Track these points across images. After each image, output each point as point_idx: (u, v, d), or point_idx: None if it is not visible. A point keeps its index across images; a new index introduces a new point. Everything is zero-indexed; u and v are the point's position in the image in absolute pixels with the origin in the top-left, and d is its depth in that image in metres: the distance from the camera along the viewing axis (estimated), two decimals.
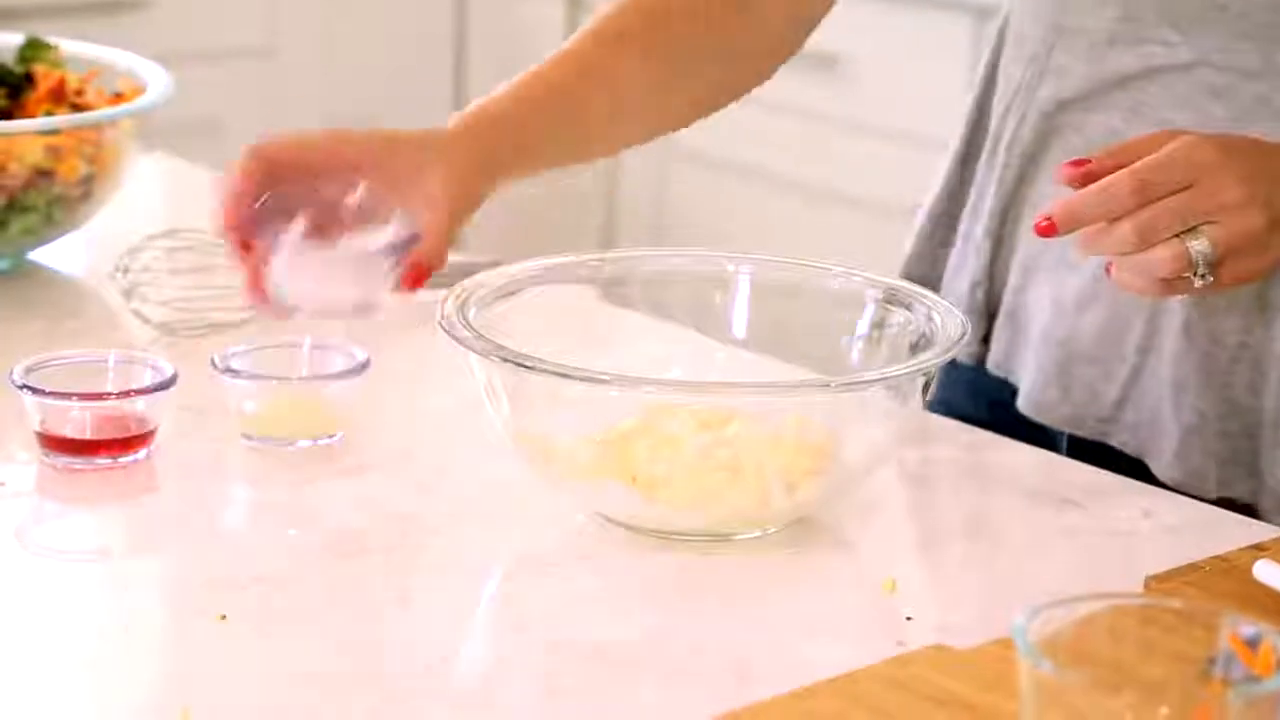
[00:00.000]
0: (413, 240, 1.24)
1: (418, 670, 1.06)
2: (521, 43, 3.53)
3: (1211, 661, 0.91)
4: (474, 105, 1.34)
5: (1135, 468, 1.35)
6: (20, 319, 1.52)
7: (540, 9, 3.50)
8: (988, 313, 1.44)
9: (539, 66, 1.36)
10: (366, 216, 1.25)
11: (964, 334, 1.22)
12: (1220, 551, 1.17)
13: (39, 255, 1.63)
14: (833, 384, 1.22)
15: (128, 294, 1.50)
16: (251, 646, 1.08)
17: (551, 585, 1.16)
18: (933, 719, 0.98)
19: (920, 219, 1.51)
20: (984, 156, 1.45)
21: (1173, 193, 1.18)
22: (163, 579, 1.20)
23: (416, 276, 1.25)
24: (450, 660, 1.09)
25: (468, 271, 1.34)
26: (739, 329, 1.34)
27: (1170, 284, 1.20)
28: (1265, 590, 1.11)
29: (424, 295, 1.43)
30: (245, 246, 1.25)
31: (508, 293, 1.29)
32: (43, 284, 1.61)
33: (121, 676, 1.07)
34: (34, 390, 1.27)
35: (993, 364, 1.44)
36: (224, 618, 1.10)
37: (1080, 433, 1.38)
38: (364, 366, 1.33)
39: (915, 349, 1.24)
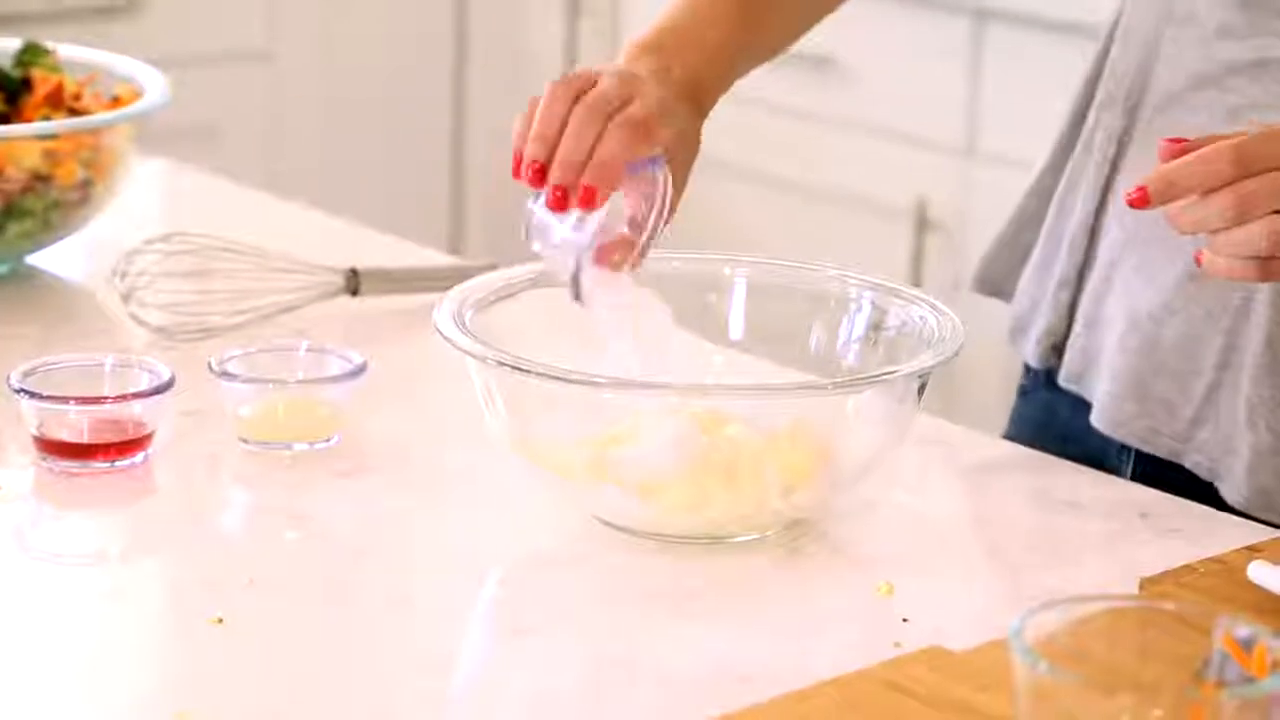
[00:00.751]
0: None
1: (415, 673, 1.06)
2: (522, 46, 3.53)
3: (1206, 663, 0.91)
4: (672, 52, 1.34)
5: (1203, 494, 1.32)
6: (18, 323, 1.52)
7: (541, 11, 3.50)
8: (1069, 316, 1.41)
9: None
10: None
11: (959, 337, 1.22)
12: (1215, 553, 1.17)
13: (37, 260, 1.63)
14: (829, 386, 1.22)
15: (125, 298, 1.50)
16: (249, 649, 1.08)
17: (549, 587, 1.16)
18: None
19: (1003, 227, 1.49)
20: (1078, 151, 1.42)
21: (1277, 168, 1.14)
22: (160, 582, 1.20)
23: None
24: (447, 663, 1.09)
25: (464, 275, 1.34)
26: (735, 331, 1.34)
27: (1266, 265, 1.15)
28: (1260, 592, 1.11)
29: (421, 298, 1.44)
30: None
31: (504, 296, 1.29)
32: (40, 288, 1.61)
33: (119, 680, 1.07)
34: (31, 394, 1.28)
35: (1065, 378, 1.41)
36: (221, 620, 1.10)
37: (1154, 450, 1.34)
38: (361, 370, 1.34)
39: (912, 351, 1.24)
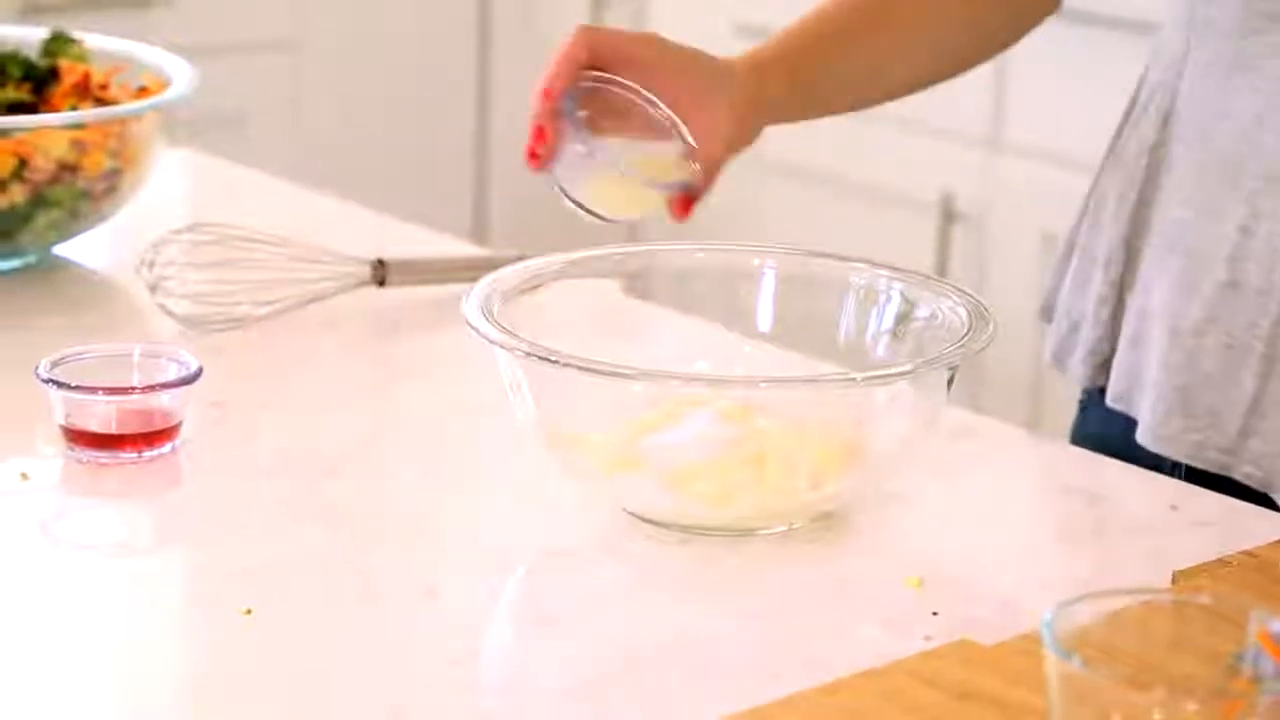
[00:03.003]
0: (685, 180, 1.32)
1: (443, 664, 1.06)
2: (546, 36, 3.53)
3: (1240, 658, 0.90)
4: (768, 40, 1.38)
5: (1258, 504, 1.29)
6: (45, 313, 1.53)
7: (566, 1, 3.50)
8: (1112, 334, 1.39)
9: (824, 3, 1.40)
10: (650, 124, 1.33)
11: (990, 328, 1.21)
12: (1248, 546, 1.16)
13: (64, 250, 1.63)
14: (859, 378, 1.22)
15: (152, 288, 1.50)
16: (276, 640, 1.08)
17: (576, 580, 1.16)
18: (959, 714, 0.98)
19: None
20: (1106, 167, 1.41)
21: None
22: (187, 573, 1.20)
23: (685, 204, 1.32)
24: (475, 654, 1.09)
25: (493, 266, 1.34)
26: (764, 323, 1.34)
27: None
28: None
29: (449, 289, 1.44)
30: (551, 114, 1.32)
31: (533, 287, 1.28)
32: (68, 278, 1.61)
33: (146, 671, 1.07)
34: (59, 384, 1.27)
35: (1112, 398, 1.38)
36: (249, 612, 1.10)
37: (1202, 465, 1.32)
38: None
39: (941, 342, 1.23)
